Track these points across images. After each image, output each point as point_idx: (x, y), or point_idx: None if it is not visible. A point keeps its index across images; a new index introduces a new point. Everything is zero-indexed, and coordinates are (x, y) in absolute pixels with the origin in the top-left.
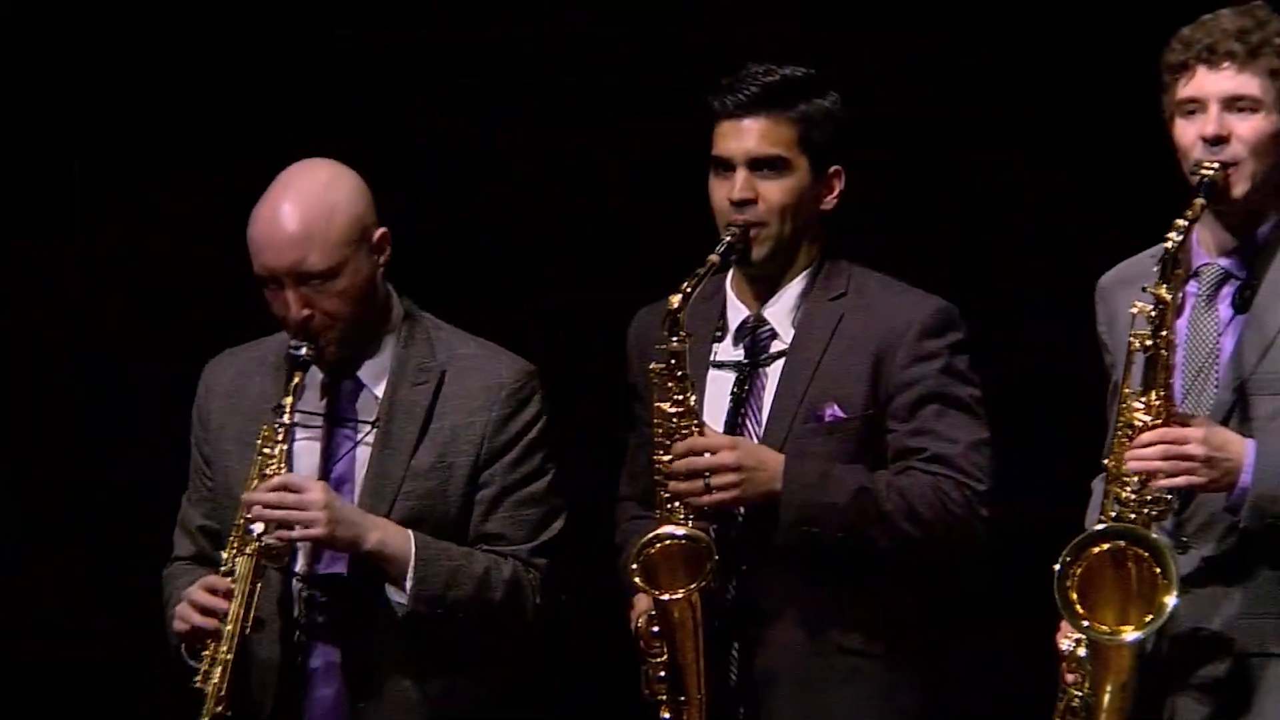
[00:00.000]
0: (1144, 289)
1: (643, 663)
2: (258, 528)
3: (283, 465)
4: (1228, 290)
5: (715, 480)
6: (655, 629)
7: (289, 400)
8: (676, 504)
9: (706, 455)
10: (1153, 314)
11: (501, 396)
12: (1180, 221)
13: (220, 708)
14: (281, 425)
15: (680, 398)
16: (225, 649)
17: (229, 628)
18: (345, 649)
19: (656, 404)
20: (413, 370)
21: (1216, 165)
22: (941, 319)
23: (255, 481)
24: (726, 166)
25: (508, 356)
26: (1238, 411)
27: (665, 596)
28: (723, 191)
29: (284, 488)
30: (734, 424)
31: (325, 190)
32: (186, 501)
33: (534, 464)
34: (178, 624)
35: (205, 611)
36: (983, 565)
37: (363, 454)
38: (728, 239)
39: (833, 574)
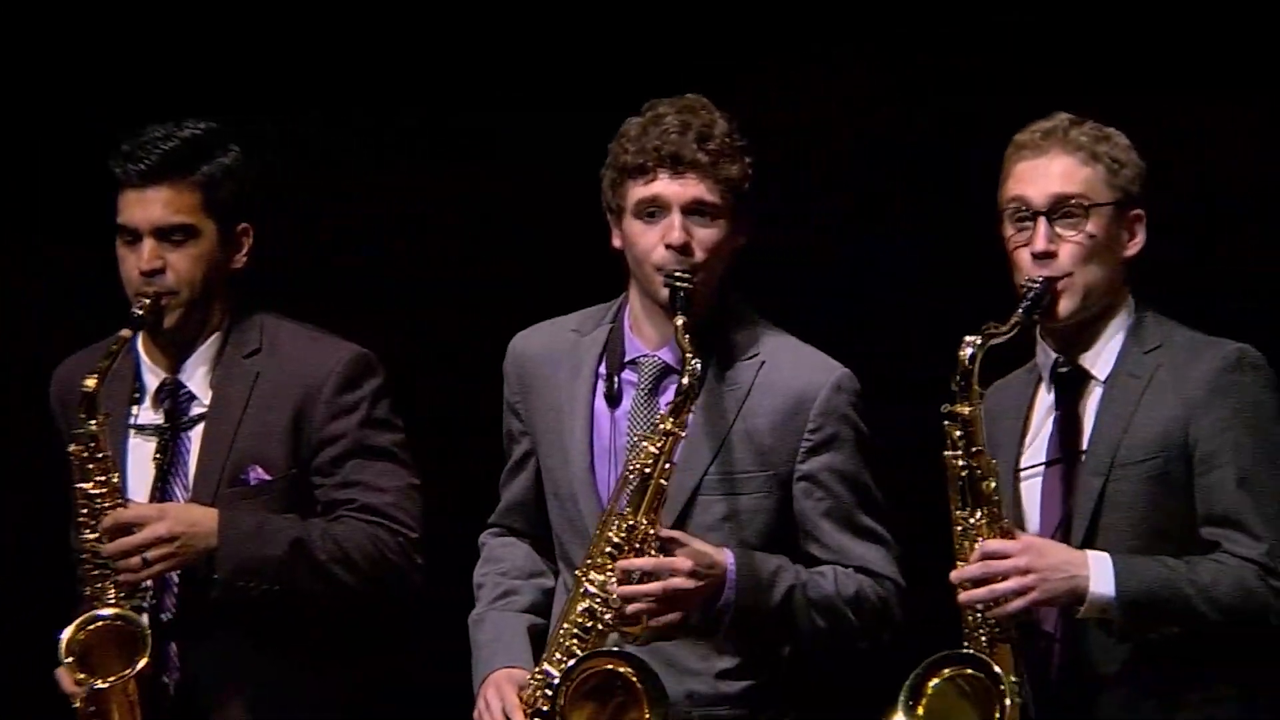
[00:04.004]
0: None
1: None
2: None
3: None
4: (669, 383)
5: (151, 554)
6: (92, 709)
7: None
8: (105, 584)
9: (136, 530)
10: (659, 447)
11: None
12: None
13: None
14: None
15: (102, 478)
16: None
17: None
18: None
19: (78, 485)
20: None
21: (688, 275)
22: (357, 368)
23: None
24: (134, 235)
25: None
26: (690, 513)
27: (99, 684)
28: (131, 261)
29: None
30: (161, 491)
31: None
32: None
33: None
34: None
35: None
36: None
37: None
38: (138, 311)
39: (274, 638)
